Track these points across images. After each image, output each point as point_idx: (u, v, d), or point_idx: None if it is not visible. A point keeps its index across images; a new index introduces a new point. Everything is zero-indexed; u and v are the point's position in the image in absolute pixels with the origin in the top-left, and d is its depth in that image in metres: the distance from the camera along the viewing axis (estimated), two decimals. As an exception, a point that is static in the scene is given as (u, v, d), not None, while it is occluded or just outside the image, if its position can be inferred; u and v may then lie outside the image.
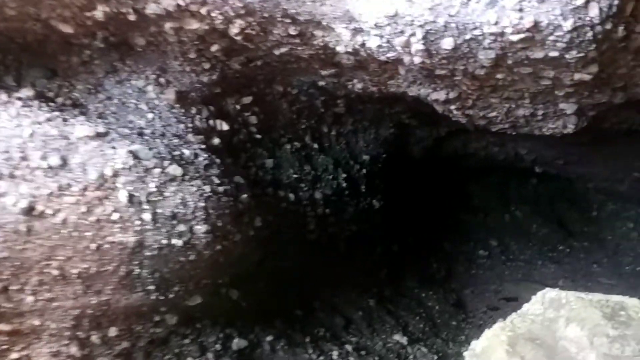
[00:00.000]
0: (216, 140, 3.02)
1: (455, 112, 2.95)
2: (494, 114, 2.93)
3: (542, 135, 3.18)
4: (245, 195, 2.92)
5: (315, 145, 3.95)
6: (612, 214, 6.30)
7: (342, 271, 4.23)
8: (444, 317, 4.90)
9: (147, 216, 2.45)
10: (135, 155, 2.47)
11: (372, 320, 4.25)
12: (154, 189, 2.48)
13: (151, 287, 2.58)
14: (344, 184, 4.08)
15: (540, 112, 2.83)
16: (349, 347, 3.74)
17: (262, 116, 3.40)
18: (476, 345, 2.36)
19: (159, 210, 2.48)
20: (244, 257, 3.10)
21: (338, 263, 4.19)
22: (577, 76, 2.29)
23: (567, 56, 2.10)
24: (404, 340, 4.11)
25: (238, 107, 3.22)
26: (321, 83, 3.13)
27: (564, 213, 7.38)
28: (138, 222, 2.43)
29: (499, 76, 2.36)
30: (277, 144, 3.63)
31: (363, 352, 3.81)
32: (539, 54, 2.11)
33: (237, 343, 3.12)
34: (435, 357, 4.09)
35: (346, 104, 3.73)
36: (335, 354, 3.61)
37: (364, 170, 4.37)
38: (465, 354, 2.34)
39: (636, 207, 6.02)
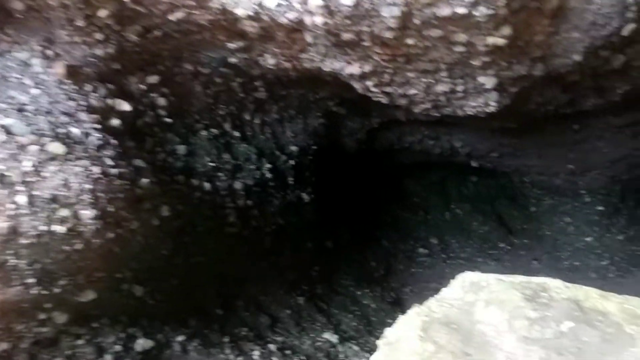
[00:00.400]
0: (115, 121, 2.75)
1: (373, 89, 2.78)
2: (414, 91, 2.77)
3: (465, 116, 3.05)
4: (145, 180, 2.66)
5: (237, 134, 3.72)
6: (549, 209, 6.29)
7: (268, 267, 4.00)
8: (379, 315, 4.73)
9: (21, 199, 2.16)
10: (7, 130, 2.19)
11: (300, 319, 4.03)
12: (30, 169, 2.20)
13: (31, 280, 2.28)
14: (269, 175, 3.86)
15: (460, 88, 2.68)
16: (272, 347, 3.51)
17: (172, 98, 3.14)
18: (390, 332, 2.18)
19: (36, 193, 2.19)
20: (149, 249, 2.83)
21: (264, 258, 3.95)
22: (490, 40, 2.15)
23: (476, 13, 1.95)
24: (334, 338, 3.91)
25: (143, 86, 2.96)
26: (232, 60, 2.91)
27: (504, 210, 7.39)
28: (11, 206, 2.14)
29: (409, 41, 2.20)
30: (191, 130, 3.37)
31: (288, 352, 3.58)
32: (446, 11, 1.95)
33: (142, 343, 2.83)
34: (368, 355, 3.89)
35: (267, 88, 3.52)
36: (256, 353, 3.37)
37: (292, 162, 4.16)
38: (379, 342, 2.16)
39: (572, 201, 6.02)
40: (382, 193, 6.52)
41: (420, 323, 2.18)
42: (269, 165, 3.85)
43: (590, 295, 2.32)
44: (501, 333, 2.14)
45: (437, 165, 6.71)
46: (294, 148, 4.21)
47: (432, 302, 2.35)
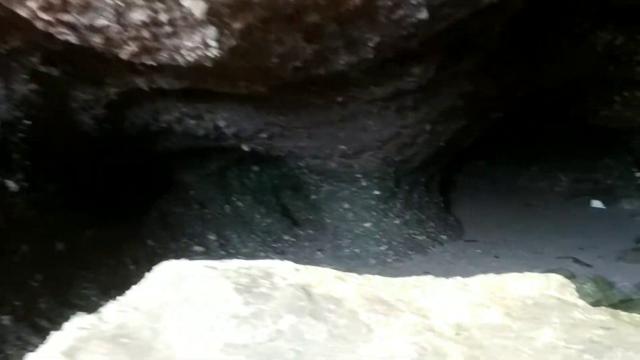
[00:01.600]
0: None
1: (45, 16, 1.98)
2: (103, 21, 2.02)
3: (190, 66, 2.38)
4: None
5: None
6: (328, 196, 6.00)
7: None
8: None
9: None
10: None
11: (4, 344, 3.06)
12: None
13: None
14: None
15: (163, 17, 2.00)
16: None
17: None
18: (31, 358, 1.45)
19: None
20: None
21: (-61, 269, 2.90)
22: None
23: None
24: None
25: None
26: None
27: (288, 201, 7.04)
28: None
29: None
30: None
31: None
32: None
33: None
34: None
35: None
36: None
37: (-13, 139, 3.14)
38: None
39: (349, 187, 5.78)
40: (147, 185, 5.66)
41: (72, 342, 1.47)
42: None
43: (325, 279, 1.82)
44: (195, 341, 1.50)
45: (215, 153, 6.07)
46: (-9, 121, 3.19)
47: (109, 308, 1.66)
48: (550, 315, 1.49)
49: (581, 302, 1.55)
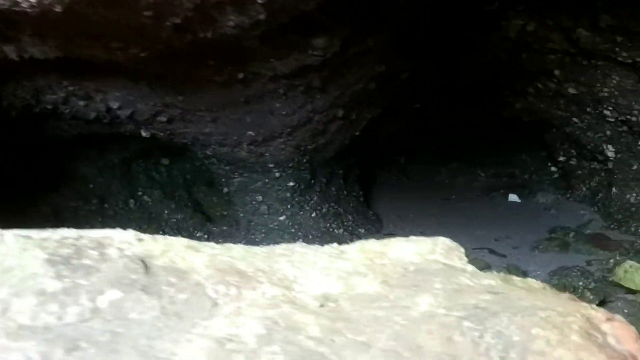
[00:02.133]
0: None
1: None
2: None
3: (31, 11, 2.01)
4: None
5: None
6: (240, 188, 5.66)
7: None
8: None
9: None
10: None
11: None
12: None
13: None
14: None
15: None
16: None
17: None
18: None
19: None
20: None
21: None
22: None
23: None
24: None
25: None
26: None
27: (202, 196, 6.67)
28: None
29: None
30: None
31: None
32: None
33: None
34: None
35: None
36: None
37: None
38: None
39: (262, 178, 5.47)
40: (36, 177, 5.12)
41: None
42: None
43: (172, 249, 1.49)
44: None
45: (115, 143, 5.60)
46: None
47: None
48: (433, 282, 1.24)
49: (470, 268, 1.33)
